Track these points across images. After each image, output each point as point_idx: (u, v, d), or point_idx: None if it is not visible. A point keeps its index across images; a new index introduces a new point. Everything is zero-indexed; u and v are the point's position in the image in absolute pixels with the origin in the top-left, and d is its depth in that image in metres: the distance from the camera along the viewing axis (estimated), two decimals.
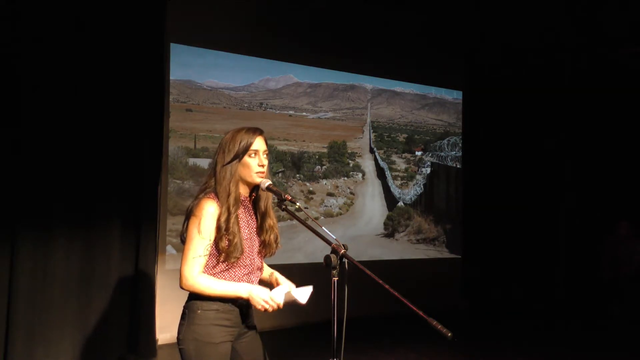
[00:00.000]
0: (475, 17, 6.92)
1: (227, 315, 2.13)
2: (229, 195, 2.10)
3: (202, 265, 2.09)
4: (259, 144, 2.16)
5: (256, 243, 2.22)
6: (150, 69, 4.82)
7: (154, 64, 4.86)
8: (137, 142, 4.69)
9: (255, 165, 2.14)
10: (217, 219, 2.08)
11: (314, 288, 2.11)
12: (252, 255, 2.19)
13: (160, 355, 4.72)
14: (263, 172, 2.16)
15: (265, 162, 2.18)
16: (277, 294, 2.07)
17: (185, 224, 2.14)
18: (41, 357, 4.15)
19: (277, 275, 2.33)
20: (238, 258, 2.11)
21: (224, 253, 2.09)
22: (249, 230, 2.18)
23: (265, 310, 2.05)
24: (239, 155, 2.13)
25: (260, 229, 2.23)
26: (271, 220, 2.24)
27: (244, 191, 2.19)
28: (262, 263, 2.28)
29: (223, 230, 2.07)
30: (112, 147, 4.56)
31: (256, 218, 2.25)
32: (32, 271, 4.13)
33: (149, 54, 4.80)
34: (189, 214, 2.14)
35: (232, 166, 2.13)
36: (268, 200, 2.24)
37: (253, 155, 2.14)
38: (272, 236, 2.24)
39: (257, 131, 2.19)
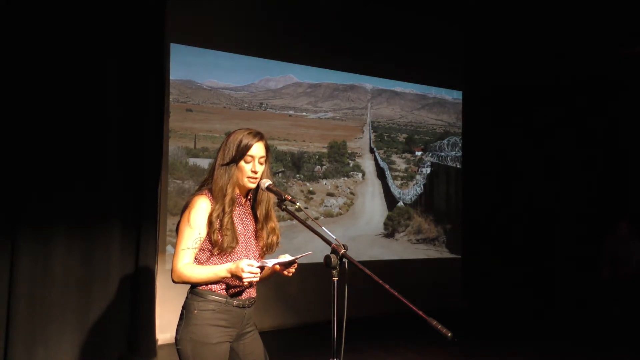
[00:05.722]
0: (475, 16, 6.91)
1: (224, 316, 2.13)
2: (225, 195, 2.14)
3: (191, 257, 2.11)
4: (256, 149, 2.18)
5: (252, 243, 2.23)
6: (151, 69, 4.82)
7: (154, 64, 4.86)
8: (137, 142, 4.70)
9: (249, 170, 2.17)
10: (209, 214, 2.11)
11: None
12: (249, 255, 2.20)
13: (160, 355, 4.72)
14: (255, 179, 2.19)
15: (260, 168, 2.19)
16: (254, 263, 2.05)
17: (180, 218, 2.18)
18: (41, 357, 4.15)
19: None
20: (234, 248, 2.13)
21: (218, 246, 2.10)
22: (243, 227, 2.20)
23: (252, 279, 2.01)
24: (236, 159, 2.16)
25: (262, 232, 2.25)
26: (273, 223, 2.28)
27: (240, 191, 2.23)
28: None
29: (216, 225, 2.10)
30: (112, 147, 4.57)
31: (255, 220, 2.26)
32: (32, 271, 4.14)
33: (149, 54, 4.80)
34: (183, 209, 2.19)
35: (229, 168, 2.16)
36: (269, 203, 2.27)
37: (249, 160, 2.17)
38: (274, 238, 2.27)
39: (258, 136, 2.20)
